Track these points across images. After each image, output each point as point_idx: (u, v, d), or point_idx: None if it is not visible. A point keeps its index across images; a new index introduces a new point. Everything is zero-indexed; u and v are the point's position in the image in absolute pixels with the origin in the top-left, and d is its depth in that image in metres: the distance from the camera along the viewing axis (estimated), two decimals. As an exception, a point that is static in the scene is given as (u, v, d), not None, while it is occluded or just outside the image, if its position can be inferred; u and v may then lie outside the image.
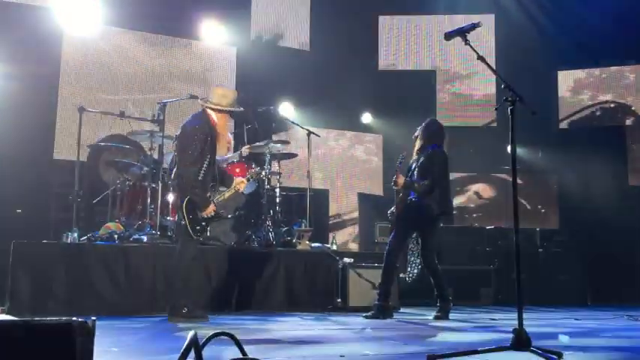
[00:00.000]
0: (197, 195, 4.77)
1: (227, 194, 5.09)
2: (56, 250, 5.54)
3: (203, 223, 4.83)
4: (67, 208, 7.30)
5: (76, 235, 5.89)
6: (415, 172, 5.50)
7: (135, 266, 5.62)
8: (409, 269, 5.69)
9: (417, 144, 5.64)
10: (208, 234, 5.01)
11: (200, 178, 4.78)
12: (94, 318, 1.41)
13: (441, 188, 5.48)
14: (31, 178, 6.83)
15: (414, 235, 5.80)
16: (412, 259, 5.67)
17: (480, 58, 3.27)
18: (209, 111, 4.93)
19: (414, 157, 5.63)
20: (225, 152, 5.25)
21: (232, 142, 7.18)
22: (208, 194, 4.89)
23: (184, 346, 1.58)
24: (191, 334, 1.62)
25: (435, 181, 5.39)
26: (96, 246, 5.74)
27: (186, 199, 4.76)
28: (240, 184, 5.19)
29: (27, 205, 7.32)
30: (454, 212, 8.97)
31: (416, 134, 5.69)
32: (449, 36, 3.38)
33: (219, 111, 4.92)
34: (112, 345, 3.31)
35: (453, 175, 9.83)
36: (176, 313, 4.78)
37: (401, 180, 5.39)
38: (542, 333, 4.23)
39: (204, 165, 4.80)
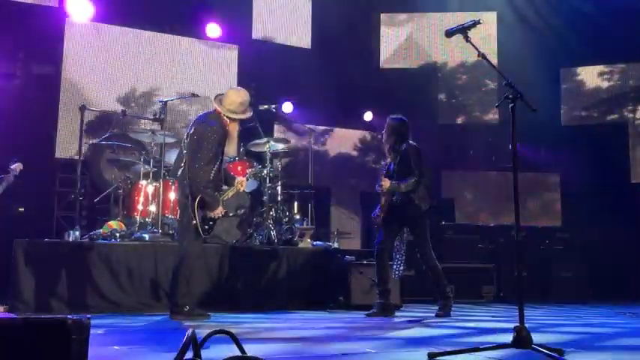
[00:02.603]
0: (209, 195, 4.79)
1: (230, 193, 5.11)
2: (58, 249, 5.55)
3: (211, 223, 4.87)
4: (69, 206, 7.33)
5: (77, 233, 5.90)
6: (395, 173, 5.48)
7: (137, 265, 5.63)
8: (395, 266, 5.70)
9: (387, 145, 5.62)
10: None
11: (211, 178, 4.82)
12: (88, 316, 1.41)
13: (423, 182, 5.48)
14: (33, 177, 6.84)
15: (403, 231, 5.77)
16: (397, 256, 5.69)
17: (481, 55, 3.26)
18: (223, 114, 4.96)
19: (389, 158, 5.61)
20: (233, 154, 5.28)
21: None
22: (216, 194, 4.92)
23: (182, 344, 1.58)
24: (189, 332, 1.62)
25: (418, 177, 5.39)
26: (98, 244, 5.74)
27: (198, 198, 4.78)
28: (242, 182, 5.21)
29: (29, 203, 7.34)
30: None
31: (384, 137, 5.67)
32: (450, 33, 3.38)
33: (232, 119, 4.96)
34: (114, 343, 3.32)
35: (455, 172, 9.90)
36: (178, 312, 4.79)
37: (387, 183, 5.41)
38: (543, 331, 4.22)
39: (216, 166, 4.84)
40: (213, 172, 4.81)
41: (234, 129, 5.01)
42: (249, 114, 5.10)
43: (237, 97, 5.00)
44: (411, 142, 5.56)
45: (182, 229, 5.10)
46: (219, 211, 4.85)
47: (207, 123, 4.92)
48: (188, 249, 4.90)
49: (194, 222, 4.80)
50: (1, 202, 6.04)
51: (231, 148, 5.04)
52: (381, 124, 9.98)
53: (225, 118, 4.95)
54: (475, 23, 3.30)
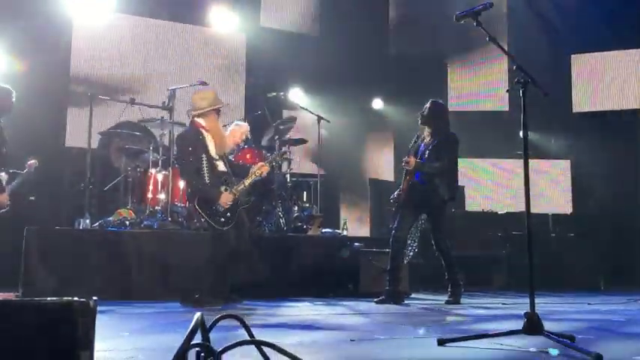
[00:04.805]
0: (206, 191, 4.88)
1: (247, 182, 5.10)
2: (68, 237, 5.59)
3: (228, 214, 4.87)
4: (79, 194, 7.35)
5: (88, 221, 5.94)
6: (426, 155, 5.48)
7: (146, 252, 5.66)
8: (406, 252, 5.71)
9: (428, 129, 5.62)
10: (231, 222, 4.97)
11: (207, 179, 4.89)
12: (95, 298, 1.41)
13: (451, 172, 5.48)
14: (44, 166, 6.88)
15: (419, 218, 5.77)
16: (409, 242, 5.68)
17: (492, 39, 3.21)
18: (196, 119, 5.06)
19: (426, 140, 5.60)
20: (226, 148, 5.30)
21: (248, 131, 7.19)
22: (223, 187, 4.91)
23: (190, 328, 1.58)
24: (197, 316, 1.62)
25: (446, 164, 5.39)
26: (108, 232, 5.77)
27: (196, 199, 4.87)
28: (262, 168, 5.19)
29: (39, 192, 7.38)
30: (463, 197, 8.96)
31: (423, 119, 5.65)
32: (460, 17, 3.32)
33: (204, 114, 5.03)
34: (123, 330, 3.34)
35: (465, 160, 9.85)
36: (188, 299, 4.82)
37: (412, 161, 5.39)
38: (554, 318, 4.20)
39: (204, 164, 4.90)
40: (206, 174, 4.90)
41: (213, 125, 5.06)
42: (217, 104, 5.11)
43: (196, 95, 5.17)
44: (451, 131, 5.59)
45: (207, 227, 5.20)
46: (225, 201, 4.85)
47: (179, 134, 5.24)
48: (213, 249, 4.97)
49: (203, 220, 4.93)
50: (12, 190, 6.07)
51: (219, 144, 5.04)
52: (390, 111, 10.02)
53: (199, 121, 5.04)
54: (486, 7, 3.24)
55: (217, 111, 5.11)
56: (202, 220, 4.98)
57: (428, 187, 5.43)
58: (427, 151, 5.49)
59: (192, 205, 4.99)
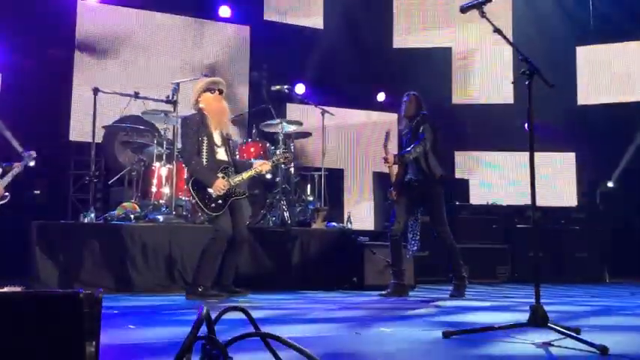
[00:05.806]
0: (201, 173, 4.90)
1: (245, 175, 5.10)
2: (73, 231, 5.61)
3: (219, 201, 4.87)
4: (83, 188, 7.38)
5: (92, 215, 5.94)
6: (408, 144, 5.53)
7: (151, 245, 5.67)
8: (408, 246, 5.70)
9: (406, 120, 5.66)
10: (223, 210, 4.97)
11: (205, 163, 4.92)
12: (101, 290, 1.41)
13: (434, 152, 5.46)
14: (48, 160, 6.89)
15: (416, 211, 5.76)
16: (411, 235, 5.67)
17: (497, 30, 3.19)
18: (200, 105, 5.11)
19: (405, 130, 5.64)
20: (224, 126, 5.29)
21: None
22: (221, 175, 4.91)
23: (195, 321, 1.58)
24: (203, 309, 1.62)
25: (427, 141, 5.37)
26: (112, 226, 5.78)
27: (192, 179, 4.93)
28: (263, 165, 5.20)
29: (44, 186, 7.40)
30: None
31: (406, 113, 5.66)
32: (465, 9, 3.30)
33: (200, 100, 5.09)
34: (129, 323, 3.35)
35: (470, 153, 9.83)
36: (192, 292, 4.83)
37: (390, 157, 5.41)
38: (559, 310, 4.20)
39: (204, 148, 4.93)
40: (204, 157, 4.93)
41: (215, 106, 5.08)
42: (203, 83, 5.19)
43: (193, 89, 5.24)
44: (424, 112, 5.61)
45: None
46: (218, 187, 4.84)
47: (184, 117, 5.25)
48: (213, 232, 4.95)
49: (193, 201, 4.94)
50: (17, 184, 6.08)
51: (214, 121, 5.05)
52: (394, 105, 9.98)
53: (203, 107, 5.06)
54: (491, -2, 3.22)
55: (211, 90, 5.11)
56: (193, 201, 5.00)
57: (419, 177, 5.43)
58: (408, 139, 5.54)
59: (187, 187, 5.03)
